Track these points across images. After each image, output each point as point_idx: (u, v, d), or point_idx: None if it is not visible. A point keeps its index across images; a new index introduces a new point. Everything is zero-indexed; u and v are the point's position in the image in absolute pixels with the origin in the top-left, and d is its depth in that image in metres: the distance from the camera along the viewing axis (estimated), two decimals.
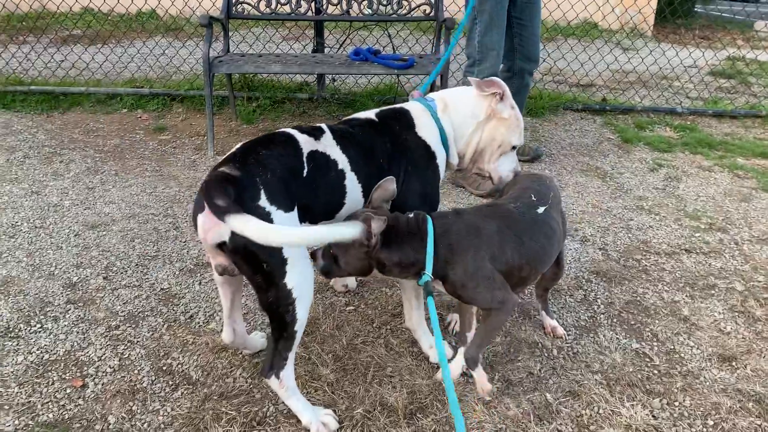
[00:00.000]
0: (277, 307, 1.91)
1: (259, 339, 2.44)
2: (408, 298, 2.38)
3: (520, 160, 4.39)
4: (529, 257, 2.11)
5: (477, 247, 2.01)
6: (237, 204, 1.73)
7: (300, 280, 1.91)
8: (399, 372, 2.34)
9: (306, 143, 2.07)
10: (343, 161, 2.13)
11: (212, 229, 1.84)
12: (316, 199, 2.06)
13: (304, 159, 2.03)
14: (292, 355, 1.99)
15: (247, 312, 2.64)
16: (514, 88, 4.17)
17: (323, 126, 2.20)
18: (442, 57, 3.15)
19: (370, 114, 2.38)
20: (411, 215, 2.08)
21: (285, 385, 2.00)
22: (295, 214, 1.94)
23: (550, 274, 2.49)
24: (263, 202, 1.84)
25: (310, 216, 2.06)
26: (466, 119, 2.44)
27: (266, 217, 1.82)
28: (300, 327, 1.96)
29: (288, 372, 1.99)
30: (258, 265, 1.85)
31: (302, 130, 2.13)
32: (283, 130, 2.13)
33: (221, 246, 1.86)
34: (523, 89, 4.24)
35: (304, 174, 2.02)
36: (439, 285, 2.10)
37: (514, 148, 2.51)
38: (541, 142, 4.82)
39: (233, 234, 1.77)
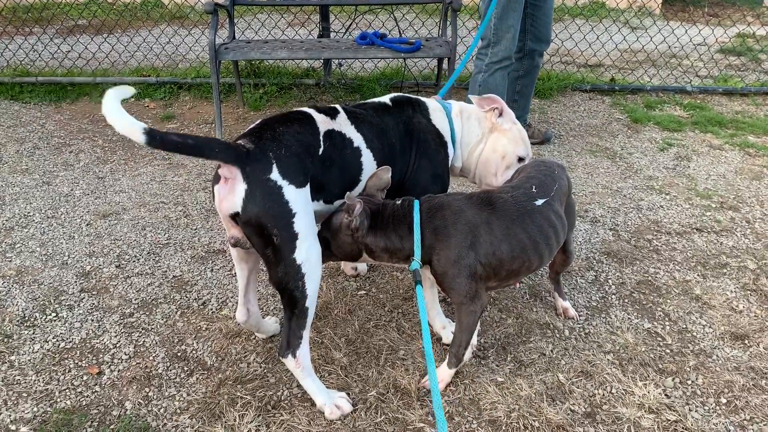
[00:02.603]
0: (287, 282, 1.94)
1: (272, 323, 2.47)
2: (423, 278, 2.40)
3: (531, 144, 4.40)
4: (521, 249, 2.06)
5: (462, 235, 2.00)
6: (251, 176, 1.86)
7: (309, 255, 1.94)
8: (411, 355, 2.35)
9: (323, 122, 2.12)
10: (358, 139, 2.18)
11: (226, 198, 1.90)
12: (330, 177, 2.10)
13: (321, 137, 2.08)
14: (306, 334, 2.02)
15: (259, 298, 2.66)
16: (524, 69, 4.14)
17: (338, 107, 2.24)
18: (461, 61, 3.23)
19: (385, 98, 2.43)
20: (399, 201, 2.09)
21: (301, 364, 2.03)
22: (307, 189, 1.97)
23: (559, 260, 2.49)
24: (275, 175, 1.88)
25: (324, 194, 2.11)
26: (474, 128, 2.52)
27: (277, 191, 1.87)
28: (311, 303, 1.99)
29: (304, 351, 2.02)
30: (268, 238, 1.89)
31: (319, 110, 2.18)
32: (300, 108, 2.17)
33: (235, 217, 1.91)
34: (533, 70, 4.22)
35: (320, 152, 2.06)
36: (428, 270, 2.10)
37: (521, 160, 2.54)
38: (550, 124, 4.80)
39: (245, 204, 1.86)
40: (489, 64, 3.82)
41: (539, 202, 2.14)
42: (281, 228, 1.88)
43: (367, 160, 2.20)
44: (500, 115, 2.50)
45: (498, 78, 3.88)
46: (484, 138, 2.52)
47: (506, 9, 3.74)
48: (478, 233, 2.01)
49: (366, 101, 2.42)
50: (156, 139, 1.73)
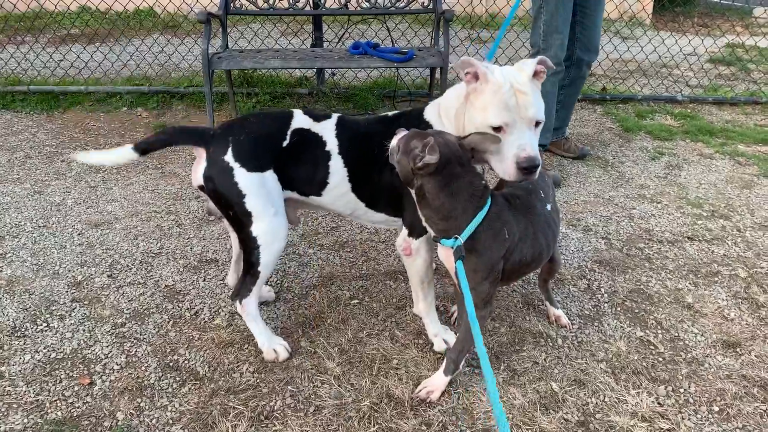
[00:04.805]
0: (245, 247, 2.24)
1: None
2: (416, 287, 2.42)
3: (566, 157, 4.34)
4: (539, 253, 2.13)
5: (505, 245, 2.01)
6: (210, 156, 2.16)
7: (265, 231, 2.19)
8: (405, 364, 2.35)
9: (299, 121, 2.27)
10: (332, 144, 2.27)
11: (194, 172, 2.21)
12: (297, 171, 2.26)
13: (288, 132, 2.24)
14: (255, 290, 2.30)
15: None
16: (570, 79, 4.07)
17: (334, 114, 2.35)
18: (504, 22, 2.91)
19: (391, 112, 2.45)
20: (483, 181, 2.03)
21: (246, 310, 2.33)
22: (263, 174, 2.17)
23: (546, 267, 2.50)
24: (228, 157, 2.14)
25: (295, 186, 2.29)
26: (454, 110, 2.25)
27: (228, 172, 2.13)
28: (263, 269, 2.26)
29: (250, 301, 2.31)
30: (226, 211, 2.20)
31: (307, 112, 2.32)
32: (290, 109, 2.34)
33: (203, 189, 2.20)
34: (578, 80, 4.16)
35: (283, 145, 2.23)
36: (449, 261, 2.06)
37: (498, 129, 2.05)
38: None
39: (205, 180, 2.16)
40: None
41: (548, 206, 2.21)
42: (233, 205, 2.15)
43: (336, 164, 2.27)
44: (476, 79, 2.10)
45: (549, 85, 3.82)
46: (461, 113, 2.19)
47: (555, 14, 3.74)
48: (515, 245, 2.04)
49: (383, 114, 2.43)
50: (144, 148, 2.16)
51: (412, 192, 2.05)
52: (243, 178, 2.13)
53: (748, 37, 7.35)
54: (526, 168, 2.02)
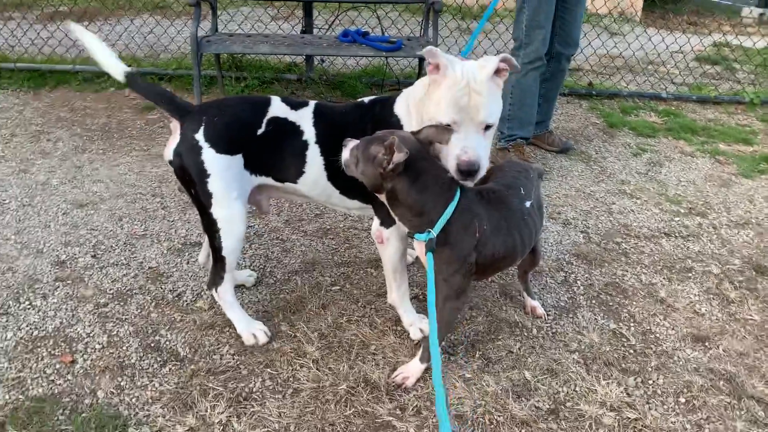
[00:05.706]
0: (208, 231, 2.28)
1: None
2: (389, 276, 2.45)
3: (549, 151, 4.37)
4: (513, 248, 2.15)
5: (474, 234, 2.04)
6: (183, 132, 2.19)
7: (225, 215, 2.23)
8: (382, 350, 2.40)
9: (277, 109, 2.28)
10: (309, 134, 2.29)
11: (167, 146, 2.24)
12: (273, 159, 2.29)
13: (264, 120, 2.25)
14: (228, 276, 2.35)
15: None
16: (550, 73, 4.10)
17: (311, 102, 2.36)
18: (479, 22, 2.91)
19: (367, 98, 2.43)
20: (448, 174, 2.05)
21: (222, 298, 2.39)
22: (232, 158, 2.20)
23: (528, 261, 2.54)
24: (198, 135, 2.17)
25: (270, 172, 2.31)
26: (419, 100, 2.24)
27: (197, 150, 2.16)
28: (227, 254, 2.30)
29: (225, 288, 2.37)
30: (190, 190, 2.24)
31: (285, 99, 2.32)
32: (268, 95, 2.33)
33: (172, 164, 2.24)
34: (559, 74, 4.21)
35: (258, 132, 2.24)
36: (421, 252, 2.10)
37: (448, 126, 2.03)
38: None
39: (174, 155, 2.19)
40: (522, 65, 3.82)
41: (527, 204, 2.22)
42: (196, 183, 2.19)
43: (312, 154, 2.29)
44: (437, 69, 2.08)
45: (530, 79, 3.92)
46: (423, 100, 2.18)
47: (538, 9, 3.78)
48: (487, 237, 2.07)
49: (360, 99, 2.43)
50: (132, 79, 2.22)
51: (382, 197, 2.09)
52: (209, 157, 2.16)
53: (735, 36, 7.41)
54: (464, 171, 2.02)
